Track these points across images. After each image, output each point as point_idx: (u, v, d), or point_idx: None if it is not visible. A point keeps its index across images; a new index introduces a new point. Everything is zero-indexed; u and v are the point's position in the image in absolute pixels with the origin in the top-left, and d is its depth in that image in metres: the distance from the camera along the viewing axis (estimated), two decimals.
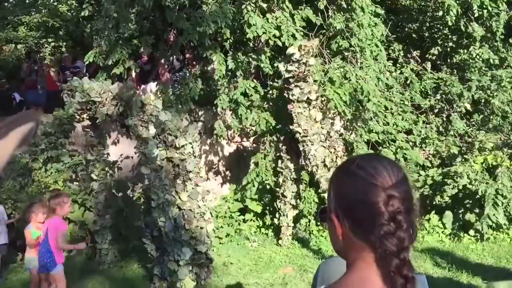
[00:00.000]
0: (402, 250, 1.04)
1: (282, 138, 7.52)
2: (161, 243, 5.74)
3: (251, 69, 9.13)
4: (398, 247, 1.04)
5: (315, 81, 7.25)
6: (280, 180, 7.56)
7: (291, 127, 7.08)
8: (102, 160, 6.55)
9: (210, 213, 6.08)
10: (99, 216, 6.56)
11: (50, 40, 10.92)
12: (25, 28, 10.01)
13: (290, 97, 7.03)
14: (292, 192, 7.58)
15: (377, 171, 1.11)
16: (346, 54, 8.20)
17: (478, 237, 7.27)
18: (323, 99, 7.35)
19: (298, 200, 7.88)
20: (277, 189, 7.68)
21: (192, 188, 5.90)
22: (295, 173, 7.54)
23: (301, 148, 6.83)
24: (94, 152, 6.46)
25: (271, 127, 7.95)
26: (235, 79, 8.62)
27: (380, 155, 1.23)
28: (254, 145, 9.85)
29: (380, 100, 7.62)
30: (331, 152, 6.76)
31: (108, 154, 7.06)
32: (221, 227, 8.06)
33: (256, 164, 7.97)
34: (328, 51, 8.29)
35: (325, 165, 6.84)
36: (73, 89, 5.88)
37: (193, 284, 5.59)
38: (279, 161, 7.55)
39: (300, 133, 6.77)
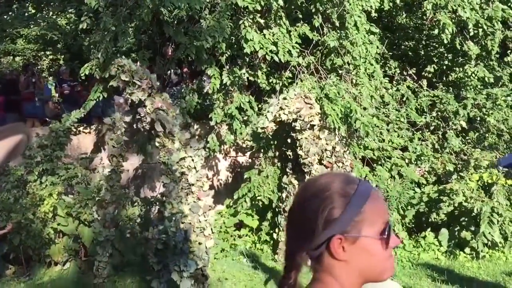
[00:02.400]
0: None
1: (288, 152, 7.46)
2: (163, 257, 5.71)
3: (246, 84, 9.18)
4: None
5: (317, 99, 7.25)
6: (284, 195, 7.52)
7: (294, 151, 7.06)
8: (119, 172, 6.55)
9: (211, 229, 6.03)
10: (104, 227, 6.52)
11: (48, 53, 10.95)
12: (24, 40, 10.05)
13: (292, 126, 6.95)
14: None
15: None
16: (340, 71, 8.28)
17: (474, 255, 7.26)
18: (322, 115, 7.36)
19: None
20: (280, 204, 7.64)
21: (194, 202, 5.88)
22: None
23: (305, 170, 6.81)
24: (113, 162, 6.46)
25: (268, 144, 7.94)
26: (231, 93, 8.66)
27: None
28: (250, 160, 9.85)
29: (369, 120, 7.66)
30: (339, 166, 6.71)
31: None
32: (217, 243, 8.00)
33: (249, 179, 7.96)
34: (324, 67, 8.37)
35: None
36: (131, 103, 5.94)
37: None
38: (285, 177, 7.51)
39: (301, 156, 6.76)
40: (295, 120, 6.70)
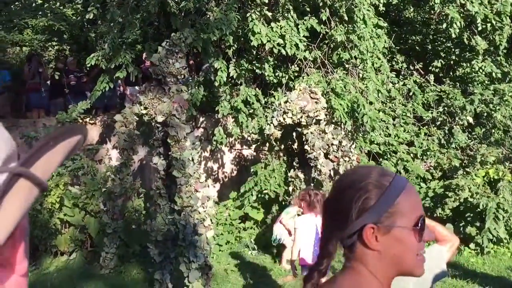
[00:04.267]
0: None
1: (294, 146, 7.46)
2: (164, 248, 5.75)
3: (254, 77, 9.17)
4: None
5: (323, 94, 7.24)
6: (290, 189, 7.54)
7: (300, 145, 7.06)
8: (129, 165, 6.59)
9: (211, 219, 6.07)
10: (113, 219, 6.56)
11: (54, 43, 10.95)
12: (31, 31, 10.03)
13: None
14: None
15: None
16: (347, 66, 8.25)
17: (479, 250, 7.26)
18: (329, 110, 7.35)
19: None
20: (287, 197, 7.66)
21: (192, 194, 5.91)
22: (305, 183, 7.50)
23: (311, 164, 6.81)
24: (124, 156, 6.49)
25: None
26: (237, 86, 8.66)
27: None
28: (255, 153, 9.86)
29: (375, 114, 7.66)
30: (345, 160, 6.71)
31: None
32: (221, 234, 8.04)
33: (255, 173, 7.98)
34: (330, 62, 8.35)
35: (331, 177, 6.82)
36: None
37: None
38: (291, 171, 7.52)
39: (307, 151, 6.76)
40: (300, 117, 6.70)
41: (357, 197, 1.06)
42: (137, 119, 6.25)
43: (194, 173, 5.76)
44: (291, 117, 6.62)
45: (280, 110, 6.71)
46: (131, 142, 6.40)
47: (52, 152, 0.60)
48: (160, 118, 5.84)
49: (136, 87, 9.27)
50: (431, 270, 2.02)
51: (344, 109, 7.50)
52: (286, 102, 6.70)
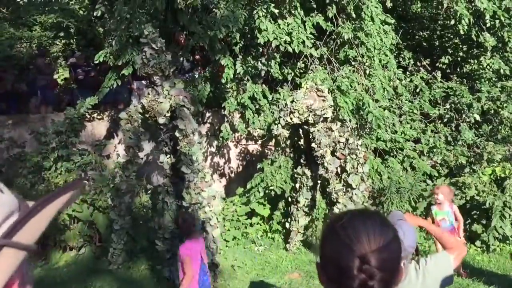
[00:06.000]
0: None
1: (301, 142, 7.49)
2: (172, 245, 5.81)
3: (260, 74, 9.18)
4: None
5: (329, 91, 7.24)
6: (297, 186, 7.58)
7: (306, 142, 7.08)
8: (135, 162, 6.63)
9: (217, 218, 6.12)
10: (120, 216, 6.63)
11: (60, 37, 10.98)
12: (40, 28, 10.07)
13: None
14: (306, 198, 7.57)
15: (357, 235, 1.09)
16: (353, 63, 8.25)
17: (484, 248, 7.28)
18: (334, 107, 7.36)
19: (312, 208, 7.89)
20: (294, 194, 7.71)
21: (197, 194, 5.96)
22: (311, 180, 7.53)
23: (318, 162, 6.84)
24: (130, 153, 6.54)
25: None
26: (243, 82, 8.68)
27: (371, 215, 1.19)
28: (261, 148, 9.90)
29: (381, 113, 7.66)
30: (352, 158, 6.74)
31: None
32: (228, 230, 8.11)
33: (262, 169, 8.03)
34: (337, 59, 8.34)
35: (338, 174, 6.85)
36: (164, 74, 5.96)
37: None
38: (298, 167, 7.56)
39: (314, 148, 6.78)
40: (307, 116, 6.72)
41: None
42: (142, 116, 6.28)
43: (199, 172, 5.80)
44: (298, 117, 6.64)
45: (287, 110, 6.73)
46: (136, 139, 6.45)
47: (43, 213, 0.64)
48: (161, 120, 5.87)
49: (143, 81, 9.30)
50: (437, 280, 2.06)
51: (349, 107, 7.51)
52: (292, 102, 6.71)
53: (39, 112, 9.24)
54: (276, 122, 6.98)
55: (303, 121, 6.73)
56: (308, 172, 7.45)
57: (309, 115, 6.63)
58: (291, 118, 6.67)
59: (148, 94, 6.04)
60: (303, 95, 6.67)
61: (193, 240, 4.50)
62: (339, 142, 6.86)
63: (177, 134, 5.83)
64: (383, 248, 1.08)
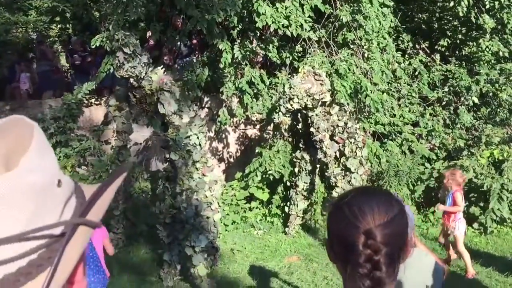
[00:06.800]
0: None
1: (300, 126, 7.47)
2: (172, 230, 5.84)
3: (258, 58, 9.12)
4: (370, 287, 1.07)
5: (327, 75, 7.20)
6: (296, 170, 7.60)
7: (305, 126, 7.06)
8: (129, 147, 6.64)
9: (218, 203, 6.14)
10: (118, 201, 6.66)
11: (56, 22, 10.88)
12: (36, 13, 9.98)
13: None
14: (305, 183, 7.58)
15: (362, 212, 1.11)
16: (352, 46, 8.20)
17: (482, 230, 7.34)
18: (332, 91, 7.34)
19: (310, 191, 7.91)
20: (292, 178, 7.73)
21: (199, 178, 5.96)
22: (310, 164, 7.54)
23: (317, 146, 6.84)
24: (122, 138, 6.53)
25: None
26: (241, 66, 8.63)
27: (376, 191, 1.21)
28: (260, 133, 9.90)
29: (379, 96, 7.64)
30: (351, 142, 6.73)
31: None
32: (227, 214, 8.14)
33: (260, 154, 8.03)
34: (335, 42, 8.28)
35: (337, 158, 6.86)
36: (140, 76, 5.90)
37: (206, 271, 5.69)
38: (297, 152, 7.57)
39: (313, 133, 6.77)
40: (306, 101, 6.69)
41: None
42: (134, 101, 6.23)
43: (202, 157, 5.78)
44: (298, 102, 6.62)
45: (286, 97, 6.70)
46: (128, 124, 6.44)
47: (104, 195, 0.72)
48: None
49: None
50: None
51: (347, 90, 7.48)
52: (290, 88, 6.68)
53: (15, 98, 9.21)
54: (277, 110, 6.94)
55: (303, 106, 6.71)
56: (307, 157, 7.45)
57: (307, 100, 6.61)
58: (291, 105, 6.64)
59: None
60: (300, 80, 6.64)
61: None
62: (337, 126, 6.86)
63: (165, 120, 5.81)
64: (388, 223, 1.09)
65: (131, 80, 5.94)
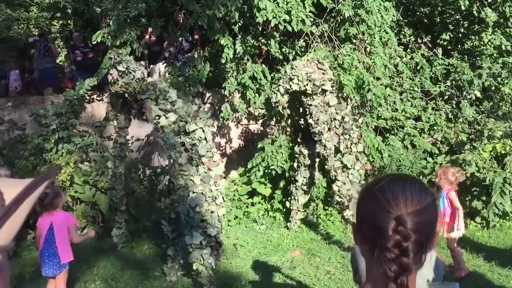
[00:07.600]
0: (401, 274, 1.07)
1: (301, 122, 7.45)
2: (177, 226, 5.86)
3: (259, 53, 9.11)
4: (397, 272, 1.07)
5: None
6: (295, 165, 7.59)
7: (306, 120, 7.04)
8: (128, 142, 6.66)
9: (223, 197, 6.14)
10: (121, 197, 6.68)
11: (57, 18, 10.89)
12: (37, 9, 9.99)
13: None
14: (304, 177, 7.58)
15: (395, 198, 1.12)
16: (354, 41, 8.18)
17: (484, 224, 7.34)
18: (337, 84, 7.31)
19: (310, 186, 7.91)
20: (292, 173, 7.73)
21: (205, 172, 5.96)
22: (309, 159, 7.53)
23: (315, 139, 6.82)
24: (122, 134, 6.55)
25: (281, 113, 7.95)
26: (243, 61, 8.63)
27: (410, 179, 1.21)
28: (262, 128, 9.90)
29: (382, 91, 7.62)
30: (345, 138, 6.71)
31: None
32: (230, 209, 8.16)
33: (262, 149, 8.04)
34: (337, 37, 8.26)
35: (337, 152, 6.84)
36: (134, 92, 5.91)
37: (209, 266, 5.71)
38: (296, 146, 7.56)
39: (311, 125, 6.75)
40: (306, 85, 6.64)
41: None
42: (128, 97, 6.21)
43: (208, 151, 5.77)
44: (297, 83, 6.56)
45: (286, 77, 6.66)
46: (127, 120, 6.46)
47: (15, 215, 0.66)
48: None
49: (142, 62, 9.25)
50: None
51: (352, 84, 7.47)
52: (292, 68, 6.64)
53: (7, 95, 9.25)
54: (276, 90, 6.90)
55: (302, 89, 6.63)
56: (305, 151, 7.46)
57: (307, 84, 6.55)
58: (290, 86, 6.60)
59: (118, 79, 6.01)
60: (303, 64, 6.61)
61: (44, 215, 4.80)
62: (334, 119, 6.82)
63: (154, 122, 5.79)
64: (420, 212, 1.11)
65: (126, 95, 5.95)
